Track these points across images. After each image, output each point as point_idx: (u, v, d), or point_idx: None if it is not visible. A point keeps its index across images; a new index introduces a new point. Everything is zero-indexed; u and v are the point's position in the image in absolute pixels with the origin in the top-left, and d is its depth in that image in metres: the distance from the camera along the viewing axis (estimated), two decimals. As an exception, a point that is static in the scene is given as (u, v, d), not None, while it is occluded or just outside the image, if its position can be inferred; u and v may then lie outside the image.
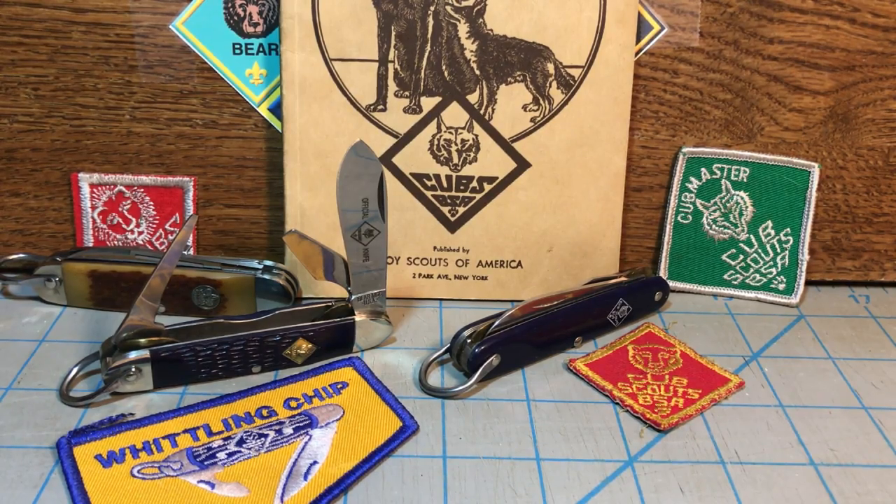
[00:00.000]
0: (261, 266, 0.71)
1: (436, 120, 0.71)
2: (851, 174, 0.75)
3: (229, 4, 0.70)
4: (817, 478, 0.56)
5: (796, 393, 0.65)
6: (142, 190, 0.74)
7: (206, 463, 0.56)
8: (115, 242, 0.76)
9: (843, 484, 0.56)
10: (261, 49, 0.71)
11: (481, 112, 0.71)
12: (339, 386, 0.63)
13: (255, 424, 0.59)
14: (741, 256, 0.76)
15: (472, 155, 0.72)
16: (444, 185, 0.73)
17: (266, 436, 0.58)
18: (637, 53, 0.72)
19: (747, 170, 0.74)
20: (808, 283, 0.79)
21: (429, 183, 0.73)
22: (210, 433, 0.58)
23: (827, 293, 0.78)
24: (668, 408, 0.62)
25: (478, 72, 0.70)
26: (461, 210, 0.73)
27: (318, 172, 0.71)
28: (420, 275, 0.75)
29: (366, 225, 0.63)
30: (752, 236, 0.76)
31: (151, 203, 0.75)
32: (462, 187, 0.73)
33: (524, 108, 0.71)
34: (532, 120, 0.71)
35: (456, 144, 0.72)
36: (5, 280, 0.73)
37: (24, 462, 0.56)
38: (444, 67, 0.70)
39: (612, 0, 0.69)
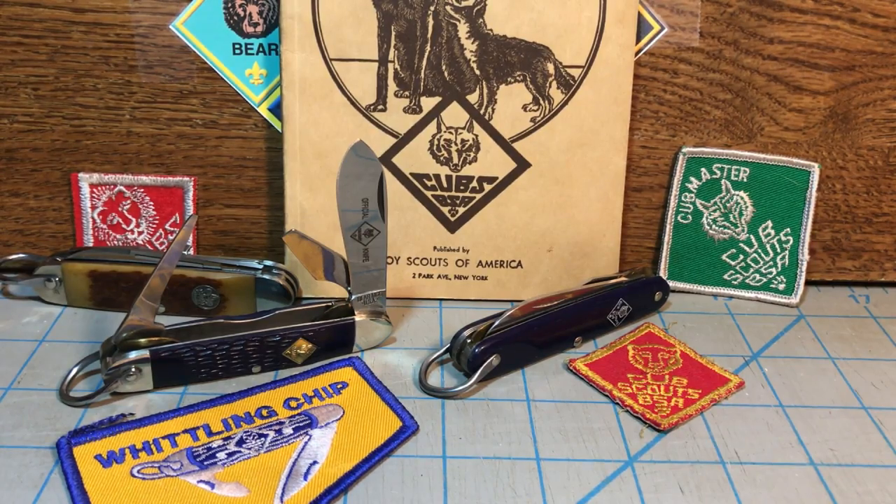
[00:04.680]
0: (261, 266, 0.71)
1: (436, 120, 0.71)
2: (851, 174, 0.75)
3: (229, 4, 0.70)
4: (817, 478, 0.56)
5: (796, 393, 0.65)
6: (142, 190, 0.74)
7: (205, 463, 0.56)
8: (115, 242, 0.76)
9: (843, 484, 0.56)
10: (261, 49, 0.71)
11: (481, 112, 0.71)
12: (339, 386, 0.63)
13: (254, 424, 0.59)
14: (741, 256, 0.76)
15: (472, 155, 0.72)
16: (444, 185, 0.73)
17: (266, 436, 0.58)
18: (637, 53, 0.72)
19: (747, 170, 0.74)
20: (808, 283, 0.79)
21: (429, 183, 0.72)
22: (210, 433, 0.58)
23: (827, 293, 0.78)
24: (668, 408, 0.62)
25: (478, 72, 0.70)
26: (461, 210, 0.73)
27: (318, 172, 0.71)
28: (420, 275, 0.75)
29: (366, 225, 0.63)
30: (752, 236, 0.76)
31: (151, 203, 0.75)
32: (462, 187, 0.73)
33: (524, 108, 0.71)
34: (532, 120, 0.71)
35: (456, 144, 0.72)
36: (5, 280, 0.73)
37: (24, 462, 0.56)
38: (444, 67, 0.70)
39: (612, 0, 0.69)
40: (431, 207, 0.73)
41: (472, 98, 0.71)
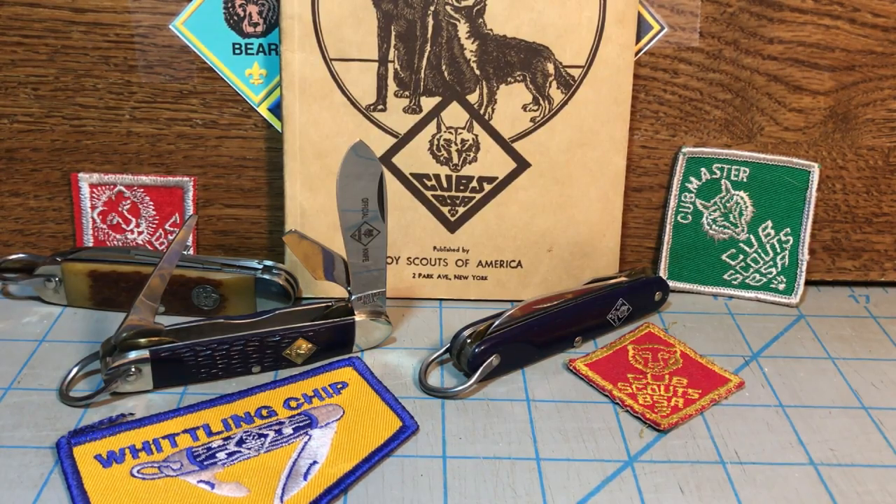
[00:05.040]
0: (261, 266, 0.71)
1: (436, 120, 0.71)
2: (851, 174, 0.75)
3: (229, 4, 0.70)
4: (817, 478, 0.56)
5: (796, 393, 0.65)
6: (141, 190, 0.74)
7: (205, 463, 0.56)
8: (115, 242, 0.76)
9: (843, 484, 0.56)
10: (260, 49, 0.71)
11: (481, 112, 0.71)
12: (339, 386, 0.63)
13: (254, 424, 0.59)
14: (741, 256, 0.76)
15: (472, 155, 0.72)
16: (444, 185, 0.72)
17: (266, 436, 0.58)
18: (637, 53, 0.71)
19: (747, 170, 0.74)
20: (808, 283, 0.78)
21: (429, 183, 0.72)
22: (210, 433, 0.58)
23: (827, 293, 0.78)
24: (668, 408, 0.62)
25: (478, 72, 0.70)
26: (461, 210, 0.73)
27: (317, 172, 0.71)
28: (420, 275, 0.75)
29: (366, 225, 0.63)
30: (751, 236, 0.76)
31: (151, 203, 0.75)
32: (462, 187, 0.73)
33: (524, 108, 0.71)
34: (532, 120, 0.71)
35: (456, 144, 0.71)
36: (5, 280, 0.73)
37: (24, 462, 0.56)
38: (443, 67, 0.70)
39: (612, 0, 0.69)
40: (431, 207, 0.73)
41: (472, 98, 0.71)
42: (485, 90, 0.70)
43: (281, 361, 0.65)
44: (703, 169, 0.75)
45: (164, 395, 0.62)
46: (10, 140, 0.73)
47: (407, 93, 0.70)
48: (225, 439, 0.58)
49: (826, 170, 0.75)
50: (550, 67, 0.70)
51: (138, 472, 0.55)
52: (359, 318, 0.67)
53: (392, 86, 0.70)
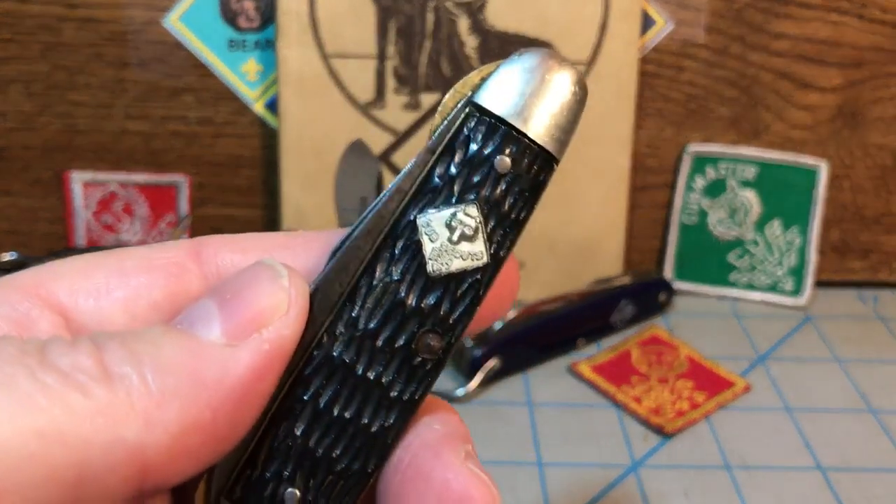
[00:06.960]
0: (257, 266, 0.70)
1: (435, 117, 0.70)
2: (859, 173, 0.75)
3: (225, -1, 0.70)
4: (825, 482, 0.56)
5: (803, 396, 0.64)
6: (135, 189, 0.74)
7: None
8: (109, 242, 0.75)
9: (851, 489, 0.56)
10: (257, 45, 0.70)
11: (482, 109, 0.70)
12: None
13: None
14: (747, 257, 0.75)
15: (473, 153, 0.71)
16: (444, 183, 0.72)
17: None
18: (641, 49, 0.71)
19: (754, 168, 0.74)
20: (816, 283, 0.78)
21: (428, 182, 0.72)
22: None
23: (835, 294, 0.77)
24: (673, 411, 0.61)
25: (478, 68, 0.69)
26: (461, 209, 0.72)
27: (315, 171, 0.70)
28: (419, 275, 0.74)
29: (364, 224, 0.63)
30: (758, 236, 0.75)
31: (145, 202, 0.74)
32: (462, 186, 0.72)
33: (526, 105, 0.70)
34: (534, 117, 0.70)
35: (456, 142, 0.71)
36: (-3, 281, 0.72)
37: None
38: (444, 63, 0.69)
39: (616, -5, 0.68)
40: (431, 207, 0.72)
41: (473, 95, 0.70)
42: (485, 87, 0.69)
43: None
44: (708, 168, 0.74)
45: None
46: (1, 138, 0.72)
47: (406, 89, 0.70)
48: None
49: (834, 168, 0.74)
50: (552, 64, 0.69)
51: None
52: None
53: (391, 82, 0.69)
